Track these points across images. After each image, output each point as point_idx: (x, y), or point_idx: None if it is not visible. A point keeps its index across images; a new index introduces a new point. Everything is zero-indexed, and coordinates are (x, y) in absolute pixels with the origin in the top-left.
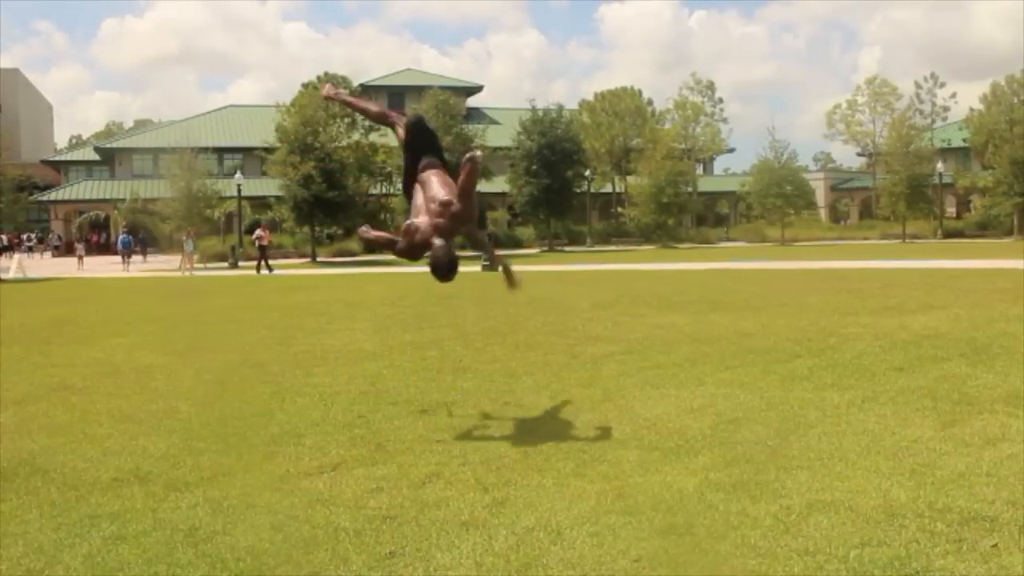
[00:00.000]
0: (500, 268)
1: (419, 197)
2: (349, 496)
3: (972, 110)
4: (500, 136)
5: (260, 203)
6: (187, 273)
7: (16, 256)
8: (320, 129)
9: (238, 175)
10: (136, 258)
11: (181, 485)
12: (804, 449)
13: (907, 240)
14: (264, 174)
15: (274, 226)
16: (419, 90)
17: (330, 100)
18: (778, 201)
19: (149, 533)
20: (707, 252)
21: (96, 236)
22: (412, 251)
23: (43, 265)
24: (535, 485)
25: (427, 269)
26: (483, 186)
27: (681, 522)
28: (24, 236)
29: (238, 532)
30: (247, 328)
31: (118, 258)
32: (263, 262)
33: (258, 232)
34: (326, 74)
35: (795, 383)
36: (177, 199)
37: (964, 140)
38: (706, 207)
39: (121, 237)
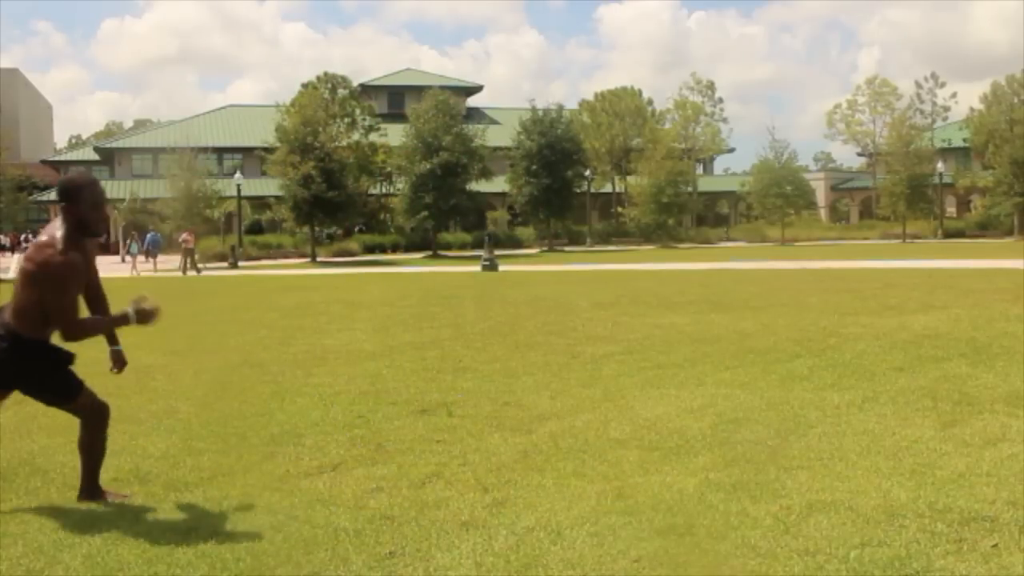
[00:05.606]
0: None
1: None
2: (349, 496)
3: (972, 110)
4: (500, 136)
5: (260, 203)
6: (134, 273)
7: (16, 256)
8: (320, 129)
9: (238, 175)
10: (128, 258)
11: (181, 485)
12: (804, 449)
13: (907, 240)
14: (264, 174)
15: (275, 226)
16: (419, 90)
17: None
18: (778, 201)
19: (149, 533)
20: (707, 252)
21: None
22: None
23: None
24: (535, 485)
25: None
26: (484, 186)
27: (681, 522)
28: (23, 237)
29: (238, 532)
30: (247, 328)
31: (117, 258)
32: (190, 263)
33: (184, 236)
34: (325, 74)
35: (795, 383)
36: (177, 199)
37: (964, 140)
38: (706, 207)
39: (149, 236)
